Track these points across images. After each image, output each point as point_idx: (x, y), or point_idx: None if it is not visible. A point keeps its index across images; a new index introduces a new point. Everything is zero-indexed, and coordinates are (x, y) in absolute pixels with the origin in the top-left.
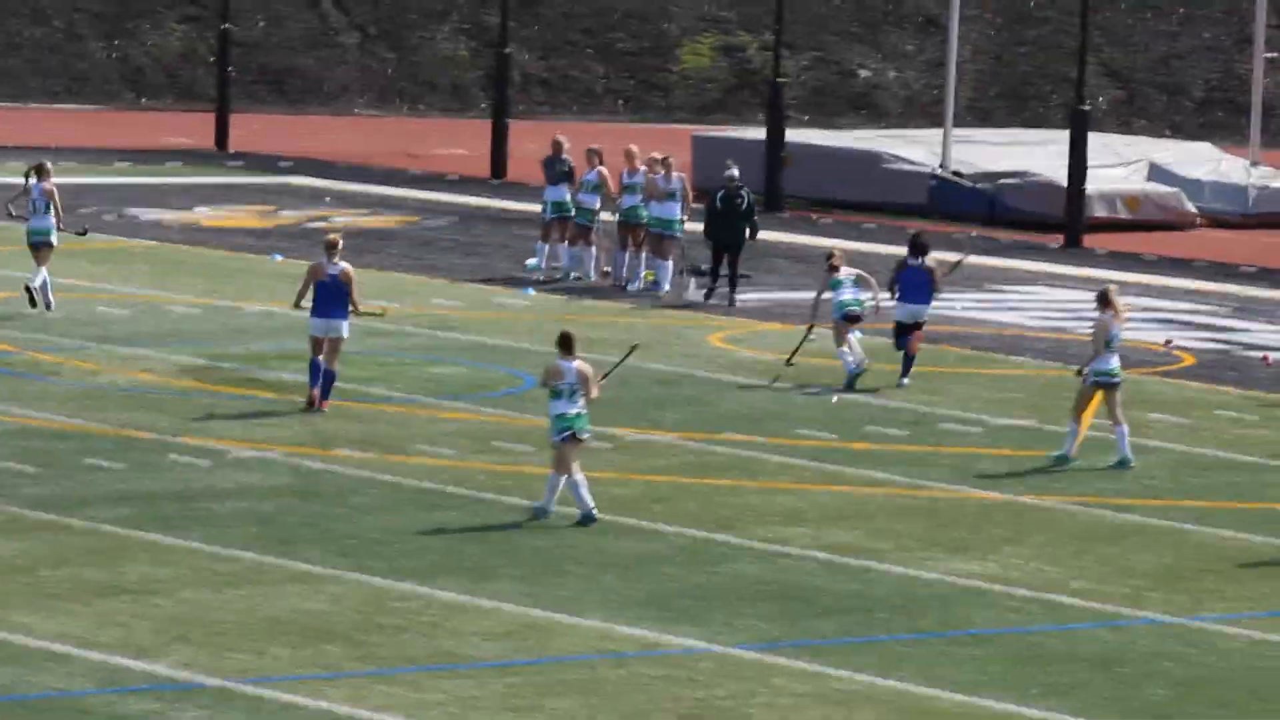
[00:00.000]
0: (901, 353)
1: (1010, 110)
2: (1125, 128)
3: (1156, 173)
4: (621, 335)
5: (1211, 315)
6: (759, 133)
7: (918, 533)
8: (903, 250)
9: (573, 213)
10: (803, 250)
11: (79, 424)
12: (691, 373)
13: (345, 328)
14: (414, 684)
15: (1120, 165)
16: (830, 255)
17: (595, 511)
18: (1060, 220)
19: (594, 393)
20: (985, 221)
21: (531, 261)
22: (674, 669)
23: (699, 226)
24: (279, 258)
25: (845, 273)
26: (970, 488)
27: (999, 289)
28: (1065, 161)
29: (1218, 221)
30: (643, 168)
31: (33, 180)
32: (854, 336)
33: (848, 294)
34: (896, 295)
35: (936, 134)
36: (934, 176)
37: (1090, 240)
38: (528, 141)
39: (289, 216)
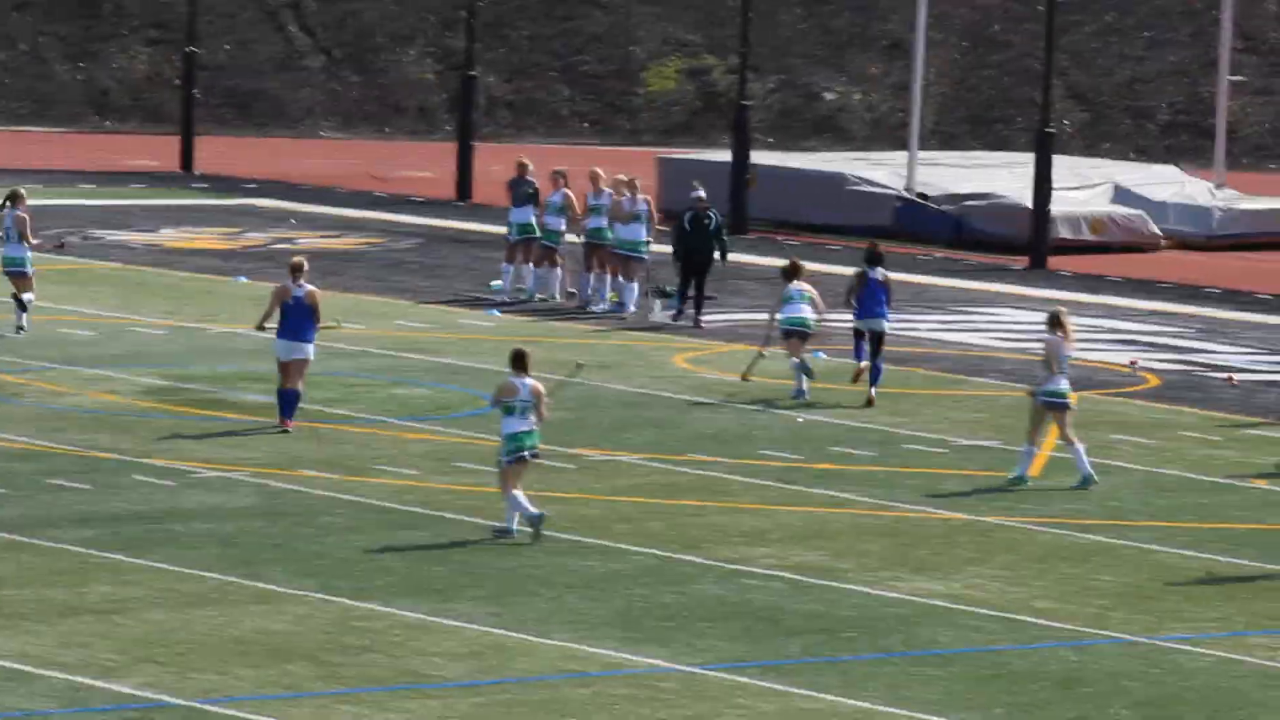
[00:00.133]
0: (860, 362)
1: (975, 133)
2: (1090, 150)
3: (1121, 195)
4: (585, 357)
5: (1176, 337)
6: (725, 155)
7: (882, 553)
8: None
9: (538, 234)
10: (768, 272)
11: (43, 445)
12: (657, 394)
13: (311, 350)
14: (378, 704)
15: (1085, 188)
16: (790, 261)
17: (538, 512)
18: (1025, 242)
19: (545, 414)
20: (950, 243)
21: (497, 283)
22: (639, 689)
23: (665, 248)
24: (244, 279)
25: (799, 286)
26: (935, 508)
27: (964, 310)
28: (1030, 184)
29: (1182, 243)
30: (608, 190)
31: (7, 208)
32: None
33: (799, 311)
34: (854, 308)
35: (902, 156)
36: (899, 199)
37: (1055, 262)
38: (493, 164)
39: (254, 238)
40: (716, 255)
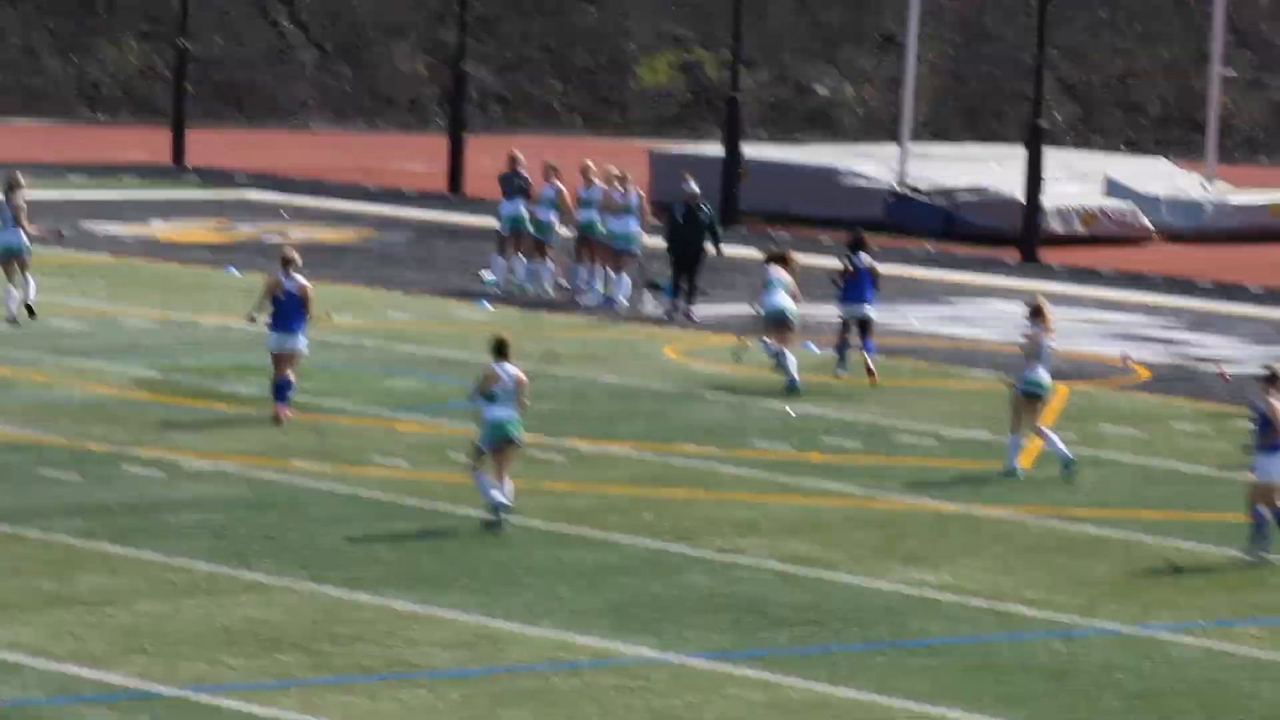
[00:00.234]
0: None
1: (967, 126)
2: (1082, 143)
3: (1113, 188)
4: (577, 349)
5: (1167, 329)
6: (716, 148)
7: (872, 543)
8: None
9: (529, 227)
10: (760, 265)
11: (33, 436)
12: (647, 385)
13: (303, 343)
14: (369, 694)
15: (1077, 181)
16: (777, 255)
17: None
18: (1017, 235)
19: (527, 401)
20: (942, 236)
21: (488, 276)
22: (629, 679)
23: (656, 241)
24: (235, 272)
25: (781, 275)
26: (925, 499)
27: (955, 303)
28: (1022, 177)
29: (1173, 236)
30: (599, 183)
31: (4, 195)
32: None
33: (779, 300)
34: (839, 292)
35: (893, 149)
36: (891, 192)
37: (1047, 255)
38: (485, 157)
39: (245, 231)
40: (709, 247)
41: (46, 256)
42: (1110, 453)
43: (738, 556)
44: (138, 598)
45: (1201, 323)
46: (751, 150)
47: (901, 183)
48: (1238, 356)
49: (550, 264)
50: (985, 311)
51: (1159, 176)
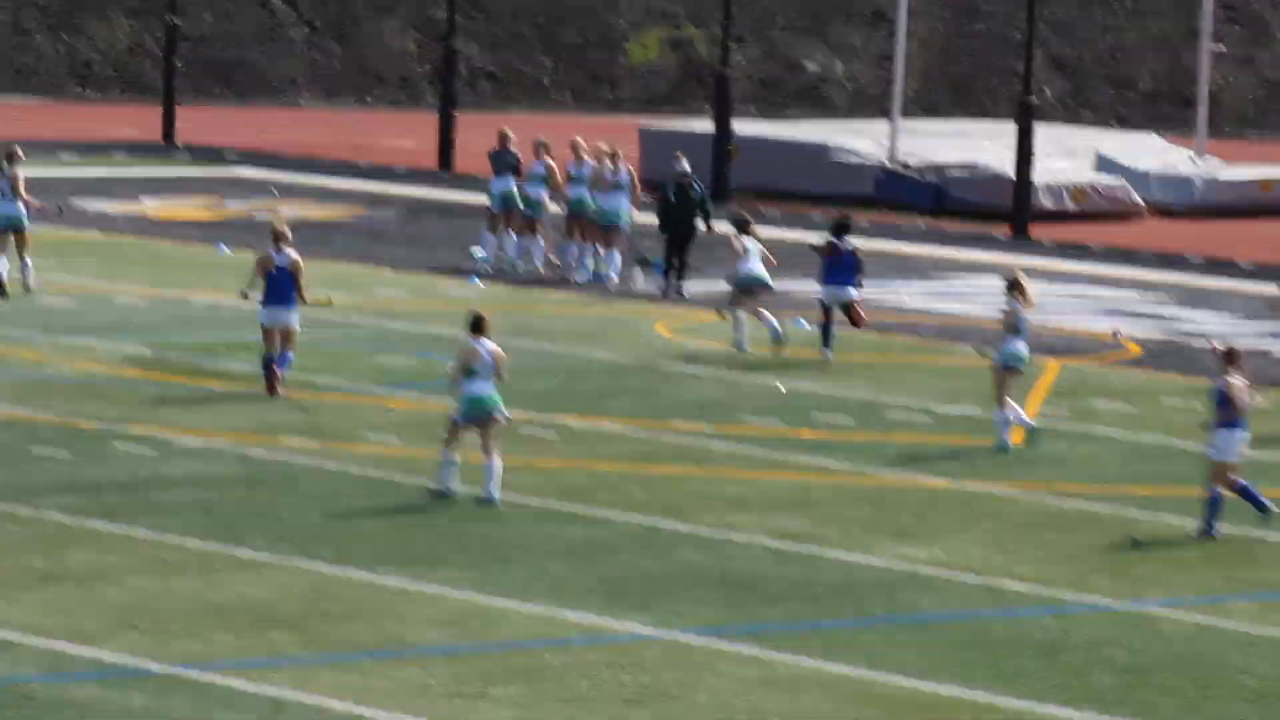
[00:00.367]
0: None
1: (957, 102)
2: (1072, 119)
3: (1103, 164)
4: (567, 326)
5: (1158, 305)
6: (707, 125)
7: (864, 519)
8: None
9: (520, 204)
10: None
11: (25, 413)
12: (639, 362)
13: (295, 319)
14: (361, 670)
15: (1067, 157)
16: (739, 215)
17: (496, 500)
18: (1007, 211)
19: (505, 376)
20: (932, 212)
21: (479, 253)
22: (620, 655)
23: (647, 218)
24: (225, 249)
25: (753, 243)
26: (917, 475)
27: (946, 279)
28: (1012, 153)
29: (1164, 212)
30: (589, 160)
31: (3, 167)
32: (765, 312)
33: (755, 267)
34: (823, 276)
35: (884, 126)
36: (881, 168)
37: (1037, 231)
38: (475, 134)
39: (235, 208)
40: (701, 225)
41: (38, 234)
42: (1101, 428)
43: (729, 533)
44: (129, 575)
45: (1192, 298)
46: (742, 127)
47: (892, 159)
48: (1228, 332)
49: (541, 241)
50: (976, 287)
51: (1149, 152)
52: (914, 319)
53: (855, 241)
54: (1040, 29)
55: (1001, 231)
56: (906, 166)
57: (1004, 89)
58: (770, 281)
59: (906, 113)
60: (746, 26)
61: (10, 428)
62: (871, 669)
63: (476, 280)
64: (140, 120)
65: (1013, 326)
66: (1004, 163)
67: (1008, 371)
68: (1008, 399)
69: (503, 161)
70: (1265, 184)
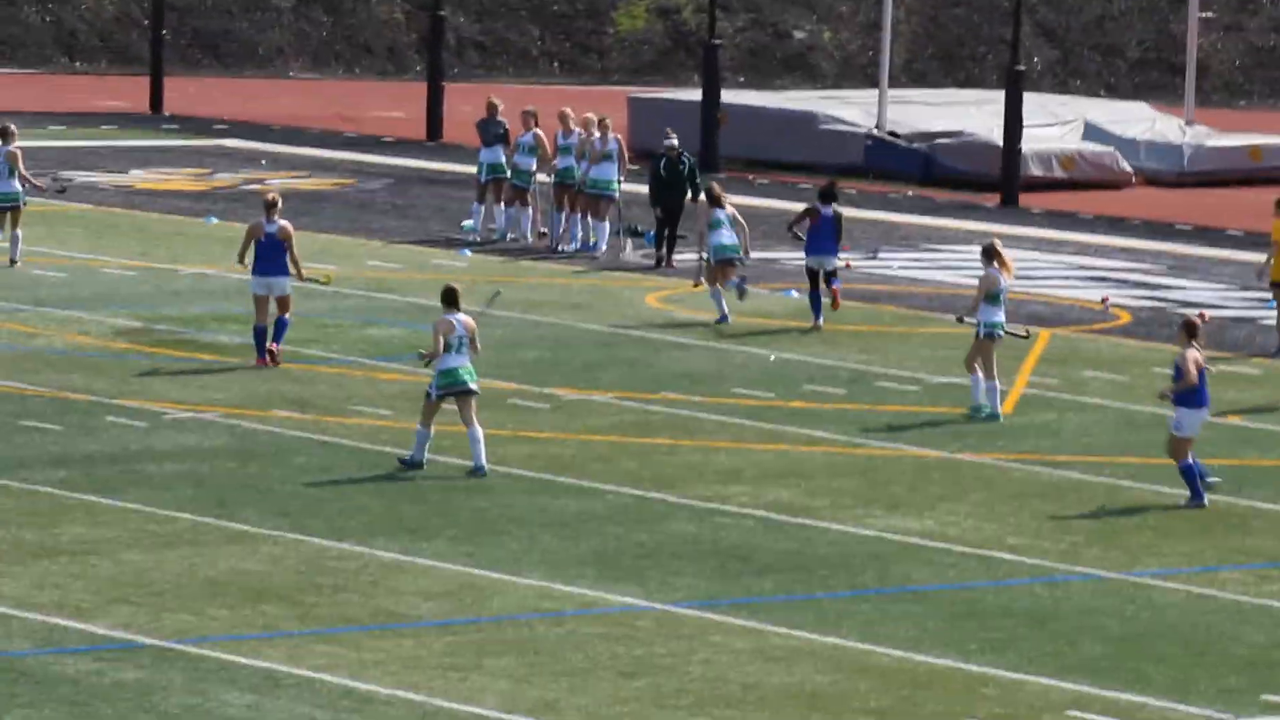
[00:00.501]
0: (809, 299)
1: (945, 71)
2: (1061, 88)
3: (1092, 132)
4: (556, 296)
5: (1147, 273)
6: (695, 94)
7: (855, 490)
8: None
9: (508, 175)
10: (739, 211)
11: (15, 386)
12: (629, 333)
13: (288, 284)
14: (353, 643)
15: (1056, 125)
16: (710, 187)
17: (485, 468)
18: (996, 180)
19: (478, 347)
20: (921, 181)
21: (468, 223)
22: (613, 627)
23: (635, 188)
24: (214, 220)
25: (725, 212)
26: (908, 445)
27: (935, 248)
28: (1001, 121)
29: (1153, 180)
30: (577, 129)
31: None
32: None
33: (726, 238)
34: (804, 241)
35: (872, 94)
36: (870, 137)
37: (1026, 199)
38: (463, 104)
39: (224, 179)
40: (690, 198)
41: (30, 206)
42: (1091, 398)
43: (721, 504)
44: (121, 548)
45: (1181, 266)
46: (730, 96)
47: (880, 128)
48: (1218, 300)
49: (530, 211)
50: (965, 257)
51: (1138, 120)
52: (903, 289)
53: (842, 209)
54: None
55: (990, 200)
56: (895, 135)
57: (992, 57)
58: (741, 253)
59: (895, 81)
60: None
61: (1, 400)
62: (864, 640)
63: (466, 251)
64: (128, 91)
65: (991, 295)
66: (992, 131)
67: (989, 340)
68: (976, 367)
69: (491, 132)
70: (1254, 151)
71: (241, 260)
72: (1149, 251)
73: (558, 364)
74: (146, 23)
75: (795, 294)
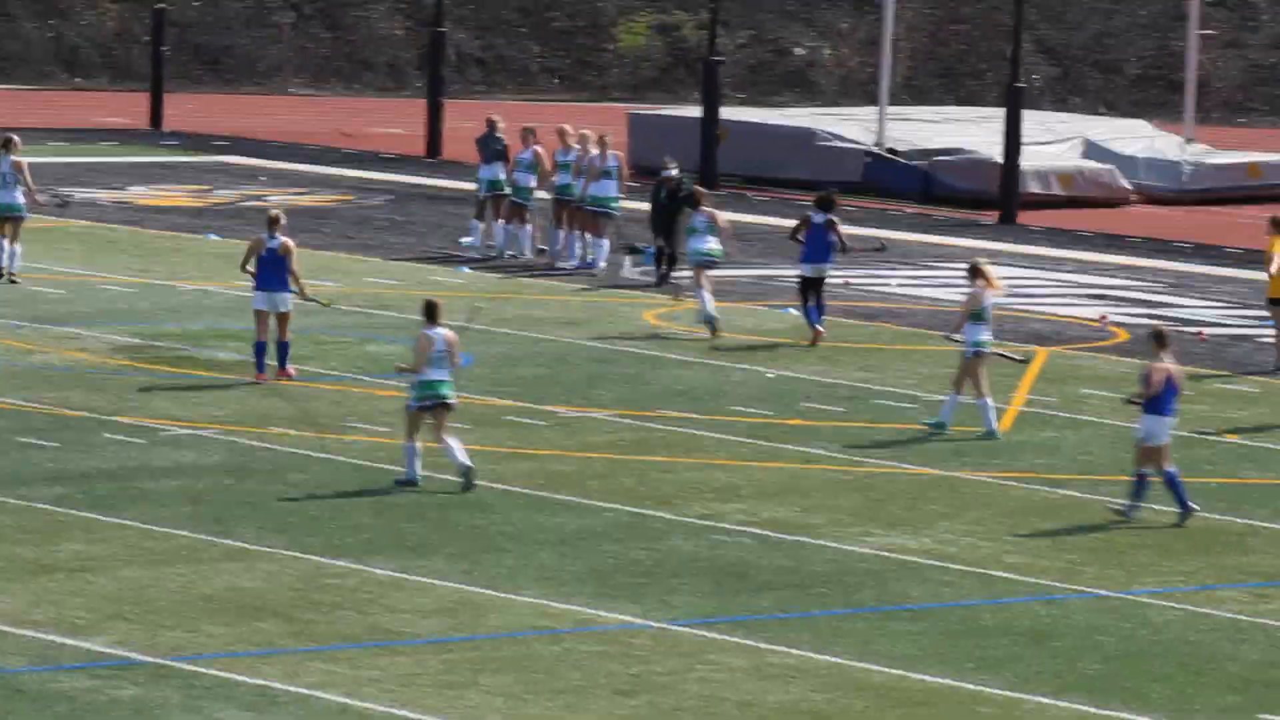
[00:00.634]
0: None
1: (945, 88)
2: (1060, 105)
3: (1091, 149)
4: (555, 313)
5: (1146, 291)
6: (695, 111)
7: (853, 508)
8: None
9: (508, 191)
10: (738, 228)
11: (13, 403)
12: (627, 350)
13: (289, 300)
14: (350, 661)
15: (1055, 142)
16: (693, 190)
17: (472, 465)
18: (995, 197)
19: (457, 360)
20: (920, 198)
21: (467, 240)
22: (610, 645)
23: (634, 205)
24: (214, 237)
25: (704, 214)
26: (906, 463)
27: (934, 266)
28: (1000, 138)
29: (1152, 198)
30: (576, 146)
31: (1, 154)
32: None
33: (706, 243)
34: (801, 251)
35: (871, 111)
36: (869, 154)
37: (1025, 217)
38: (463, 120)
39: (224, 196)
40: None
41: (27, 223)
42: (1090, 415)
43: (719, 521)
44: (118, 565)
45: (1180, 284)
46: (730, 112)
47: (880, 145)
48: (1216, 318)
49: (529, 228)
50: (965, 274)
51: (1138, 138)
52: (902, 306)
53: (836, 219)
54: (1028, 14)
55: (989, 218)
56: (894, 152)
57: (992, 74)
58: (718, 257)
59: (894, 99)
60: (734, 11)
61: None
62: (861, 658)
63: (465, 268)
64: (128, 107)
65: (976, 313)
66: (992, 149)
67: (976, 359)
68: (957, 392)
69: (490, 148)
70: (1253, 169)
71: (244, 269)
72: (1148, 269)
73: (556, 381)
74: (147, 39)
75: (793, 311)
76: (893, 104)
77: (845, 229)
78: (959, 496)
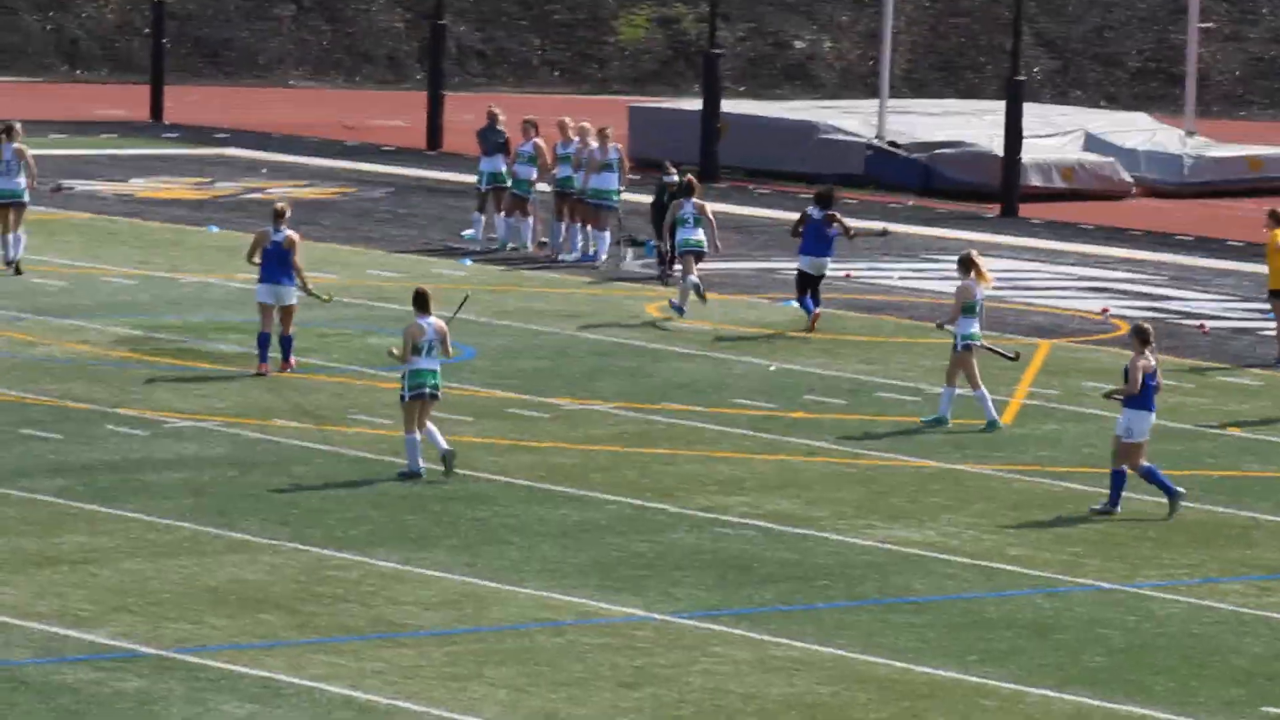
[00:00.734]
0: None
1: (946, 81)
2: (1061, 98)
3: (1092, 142)
4: (556, 306)
5: (1148, 284)
6: (695, 104)
7: (856, 501)
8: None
9: (508, 184)
10: (739, 220)
11: (15, 395)
12: (629, 342)
13: (294, 294)
14: (353, 653)
15: (1056, 135)
16: (686, 179)
17: (449, 448)
18: (996, 190)
19: (450, 350)
20: (921, 192)
21: (468, 232)
22: (613, 637)
23: (636, 197)
24: (214, 229)
25: (694, 205)
26: (908, 456)
27: (935, 259)
28: (1001, 131)
29: (1153, 191)
30: (576, 139)
31: (3, 141)
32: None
33: (692, 233)
34: (799, 245)
35: (872, 104)
36: (869, 147)
37: (1026, 210)
38: (464, 113)
39: (225, 188)
40: None
41: (29, 214)
42: (1092, 409)
43: (722, 514)
44: (121, 557)
45: (1181, 277)
46: (730, 105)
47: (880, 138)
48: (1218, 311)
49: (530, 220)
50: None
51: (1138, 131)
52: (903, 299)
53: (835, 212)
54: (1028, 7)
55: (990, 211)
56: (895, 145)
57: (992, 67)
58: (704, 247)
59: (895, 91)
60: (734, 4)
61: (1, 409)
62: (865, 650)
63: (466, 260)
64: (129, 99)
65: (967, 306)
66: (993, 141)
67: (966, 352)
68: (951, 386)
69: (491, 141)
70: (1254, 162)
71: (250, 260)
72: (1149, 262)
73: (558, 373)
74: (147, 31)
75: (794, 304)
76: (893, 97)
77: (846, 219)
78: (962, 489)
